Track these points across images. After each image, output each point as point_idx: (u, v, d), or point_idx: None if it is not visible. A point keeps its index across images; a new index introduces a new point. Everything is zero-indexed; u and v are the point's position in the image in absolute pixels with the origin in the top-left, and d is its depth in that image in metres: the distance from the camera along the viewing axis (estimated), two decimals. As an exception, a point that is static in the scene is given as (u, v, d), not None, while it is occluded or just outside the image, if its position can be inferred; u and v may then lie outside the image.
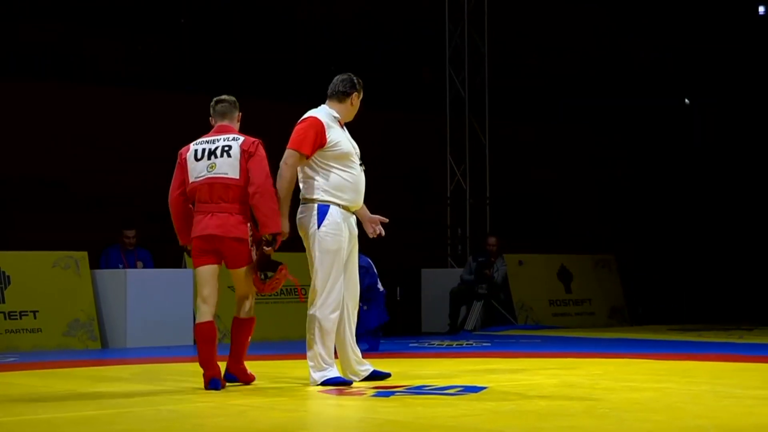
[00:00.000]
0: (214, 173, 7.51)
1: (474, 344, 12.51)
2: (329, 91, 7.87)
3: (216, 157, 7.54)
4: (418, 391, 7.25)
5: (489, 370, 9.04)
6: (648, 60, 19.99)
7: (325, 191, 7.56)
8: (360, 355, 7.86)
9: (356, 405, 6.71)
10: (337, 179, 7.62)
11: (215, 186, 7.51)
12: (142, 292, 12.60)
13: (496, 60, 17.22)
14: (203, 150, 7.60)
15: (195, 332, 7.63)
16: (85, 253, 12.70)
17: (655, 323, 16.29)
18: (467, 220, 16.97)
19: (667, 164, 20.15)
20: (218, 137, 7.66)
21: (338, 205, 7.61)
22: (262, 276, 7.65)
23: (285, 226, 7.49)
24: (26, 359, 10.70)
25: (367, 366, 7.86)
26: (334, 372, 7.57)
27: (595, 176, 19.39)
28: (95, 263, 13.11)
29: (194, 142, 7.72)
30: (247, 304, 7.79)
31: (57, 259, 12.52)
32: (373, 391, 7.19)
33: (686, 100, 20.49)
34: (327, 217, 7.53)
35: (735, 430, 5.62)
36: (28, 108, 14.59)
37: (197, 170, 7.57)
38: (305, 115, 7.72)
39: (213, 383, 7.43)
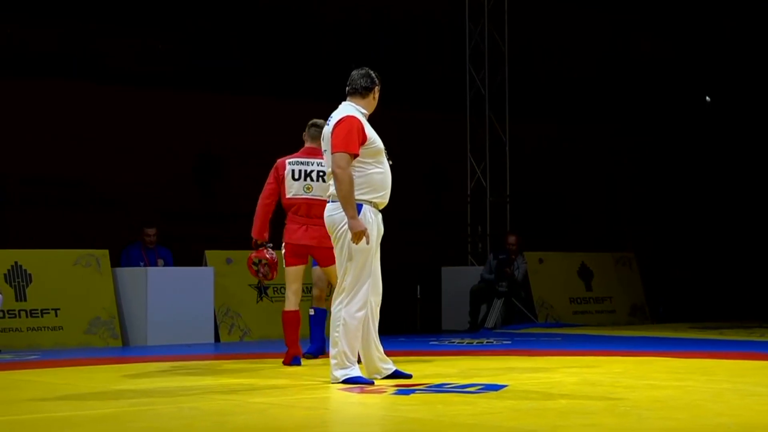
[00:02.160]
0: (312, 195, 9.29)
1: (494, 342, 12.50)
2: (349, 87, 7.83)
3: (312, 180, 9.33)
4: (439, 389, 7.24)
5: (509, 368, 9.02)
6: (668, 59, 19.91)
7: (358, 189, 7.53)
8: (383, 352, 7.85)
9: (377, 403, 6.70)
10: (370, 177, 7.60)
11: (313, 206, 9.18)
12: (163, 290, 12.63)
13: (516, 58, 17.20)
14: (300, 171, 9.32)
15: (283, 318, 9.33)
16: (106, 251, 12.75)
17: (676, 321, 16.24)
18: (488, 218, 16.94)
19: (688, 161, 20.08)
20: (311, 160, 9.35)
21: (370, 203, 7.61)
22: None
23: (360, 225, 7.44)
24: (48, 357, 10.74)
25: (390, 365, 7.84)
26: (356, 371, 7.56)
27: (616, 174, 19.34)
28: (116, 261, 13.15)
29: (289, 160, 9.37)
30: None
31: (78, 257, 12.57)
32: (393, 389, 7.19)
33: (707, 98, 20.41)
34: (360, 216, 7.48)
35: (756, 428, 5.60)
36: (50, 107, 14.64)
37: (294, 188, 9.33)
38: (338, 116, 7.65)
39: (295, 360, 9.18)
